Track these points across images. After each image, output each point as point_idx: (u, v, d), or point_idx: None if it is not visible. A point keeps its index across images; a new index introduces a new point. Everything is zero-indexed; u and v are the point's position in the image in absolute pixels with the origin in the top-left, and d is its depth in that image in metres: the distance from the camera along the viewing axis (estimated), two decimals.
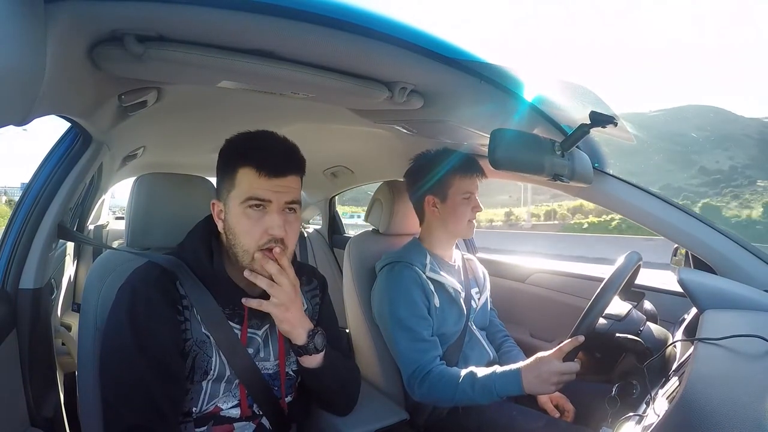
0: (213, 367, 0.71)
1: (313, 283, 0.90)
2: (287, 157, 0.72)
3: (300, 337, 0.74)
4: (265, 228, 0.69)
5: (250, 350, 0.75)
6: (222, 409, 0.73)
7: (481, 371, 0.95)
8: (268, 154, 0.70)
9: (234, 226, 0.71)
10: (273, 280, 0.70)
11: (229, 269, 0.75)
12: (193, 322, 0.71)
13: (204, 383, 0.71)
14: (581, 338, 0.84)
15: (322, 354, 0.77)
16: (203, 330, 0.71)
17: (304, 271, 0.90)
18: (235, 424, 0.74)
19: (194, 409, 0.71)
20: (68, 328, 1.54)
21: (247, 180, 0.70)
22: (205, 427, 0.72)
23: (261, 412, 0.77)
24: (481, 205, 1.13)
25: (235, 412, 0.74)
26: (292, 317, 0.73)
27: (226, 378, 0.72)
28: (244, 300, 0.73)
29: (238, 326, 0.75)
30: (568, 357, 0.85)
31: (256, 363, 0.75)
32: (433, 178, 1.12)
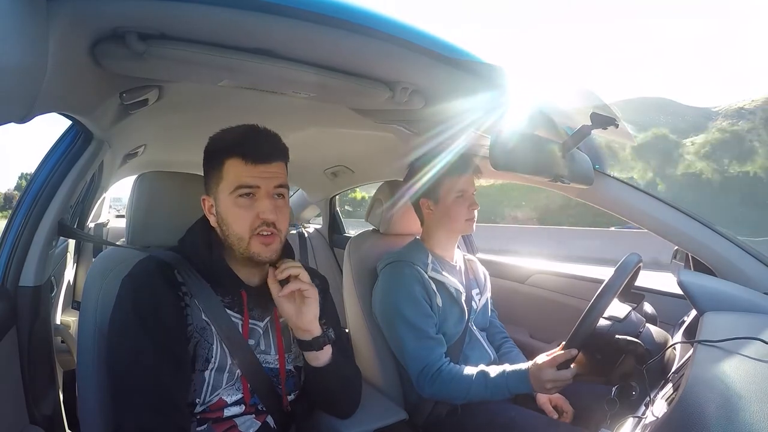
0: (214, 355, 0.71)
1: (315, 281, 0.91)
2: (271, 145, 0.74)
3: (316, 327, 0.76)
4: (256, 213, 0.71)
5: (251, 341, 0.76)
6: (227, 403, 0.73)
7: (492, 370, 0.97)
8: (253, 143, 0.72)
9: (226, 217, 0.72)
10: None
11: (228, 260, 0.76)
12: (193, 308, 0.72)
13: (206, 373, 0.71)
14: (574, 352, 0.86)
15: (330, 349, 0.78)
16: (203, 317, 0.72)
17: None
18: (237, 420, 0.74)
19: (197, 400, 0.71)
20: (68, 326, 1.54)
21: (234, 169, 0.71)
22: (206, 425, 0.71)
23: (265, 409, 0.77)
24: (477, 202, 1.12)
25: (238, 410, 0.74)
26: (314, 304, 0.75)
27: (227, 368, 0.73)
28: (275, 296, 0.74)
29: (238, 315, 0.75)
30: (562, 367, 0.86)
31: (257, 355, 0.76)
32: (426, 181, 1.13)
